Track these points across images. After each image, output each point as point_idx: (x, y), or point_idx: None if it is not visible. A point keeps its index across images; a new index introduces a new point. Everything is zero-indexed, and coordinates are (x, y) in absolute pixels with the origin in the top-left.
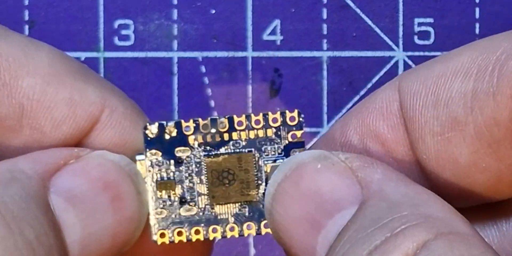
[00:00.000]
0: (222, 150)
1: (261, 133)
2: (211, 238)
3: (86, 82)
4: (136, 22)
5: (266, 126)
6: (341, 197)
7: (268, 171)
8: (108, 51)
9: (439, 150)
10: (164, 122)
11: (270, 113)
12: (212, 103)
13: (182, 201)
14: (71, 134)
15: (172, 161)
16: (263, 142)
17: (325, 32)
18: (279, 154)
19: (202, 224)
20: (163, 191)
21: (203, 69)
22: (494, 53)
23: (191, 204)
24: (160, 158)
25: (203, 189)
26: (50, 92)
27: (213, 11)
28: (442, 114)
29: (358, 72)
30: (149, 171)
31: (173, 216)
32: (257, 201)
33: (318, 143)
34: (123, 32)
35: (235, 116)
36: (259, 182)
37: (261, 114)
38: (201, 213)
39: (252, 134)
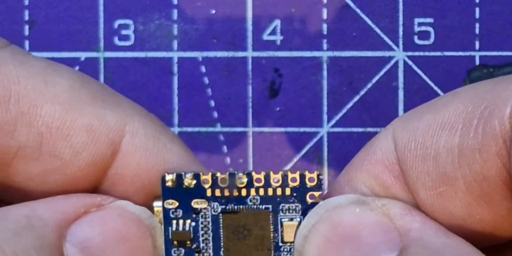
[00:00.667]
0: (240, 205)
1: (279, 191)
2: None
3: (106, 107)
4: (136, 22)
5: (285, 184)
6: (380, 242)
7: (284, 229)
8: (108, 51)
9: (433, 204)
10: (183, 173)
11: (289, 172)
12: (212, 103)
13: (196, 252)
14: (92, 161)
15: (188, 212)
16: (280, 200)
17: (325, 32)
18: (296, 213)
19: None
20: (178, 241)
21: (203, 69)
22: (478, 107)
23: (205, 255)
24: (176, 208)
25: (218, 242)
26: (69, 119)
27: (213, 11)
28: (432, 169)
29: (358, 72)
30: (165, 219)
31: None
32: None
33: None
34: (123, 32)
35: (253, 173)
36: (275, 240)
37: (280, 173)
38: None
39: (270, 192)
